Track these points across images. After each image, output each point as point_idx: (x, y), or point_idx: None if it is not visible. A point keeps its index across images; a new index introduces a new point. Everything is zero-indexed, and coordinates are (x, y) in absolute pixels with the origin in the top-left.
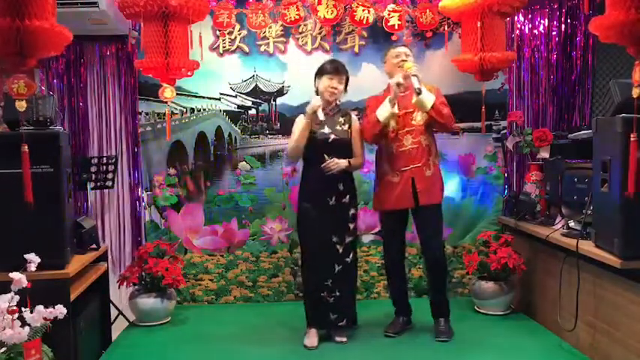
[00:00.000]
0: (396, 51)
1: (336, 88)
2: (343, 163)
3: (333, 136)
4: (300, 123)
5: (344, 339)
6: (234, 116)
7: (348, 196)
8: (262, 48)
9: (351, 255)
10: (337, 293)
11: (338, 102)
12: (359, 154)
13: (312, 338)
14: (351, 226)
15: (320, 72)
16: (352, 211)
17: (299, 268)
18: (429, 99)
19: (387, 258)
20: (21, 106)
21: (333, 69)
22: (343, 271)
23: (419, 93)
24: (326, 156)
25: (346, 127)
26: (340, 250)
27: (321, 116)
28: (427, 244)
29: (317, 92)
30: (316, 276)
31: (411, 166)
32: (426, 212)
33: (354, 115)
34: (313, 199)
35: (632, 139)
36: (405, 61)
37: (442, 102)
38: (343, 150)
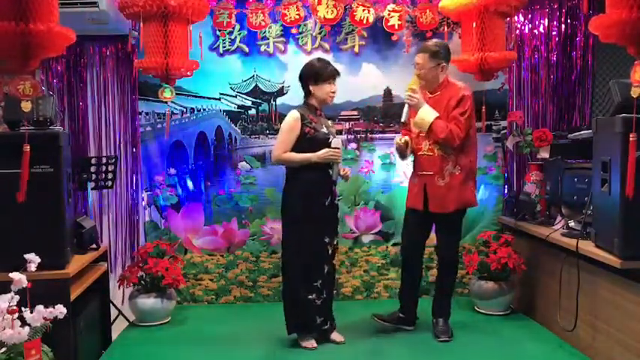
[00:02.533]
0: (415, 59)
1: (334, 92)
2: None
3: (332, 137)
4: (306, 157)
5: (342, 339)
6: (234, 116)
7: (337, 197)
8: (262, 48)
9: (334, 255)
10: (324, 295)
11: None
12: None
13: (310, 340)
14: (338, 226)
15: (316, 77)
16: (339, 212)
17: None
18: (424, 122)
19: (402, 254)
20: (27, 106)
21: (333, 73)
22: (328, 272)
23: (402, 125)
24: (337, 166)
25: (334, 129)
26: (330, 251)
27: (334, 171)
28: (438, 248)
29: (308, 94)
30: (308, 278)
31: (425, 172)
32: (439, 218)
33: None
34: (310, 198)
35: (631, 138)
36: (417, 75)
37: (454, 117)
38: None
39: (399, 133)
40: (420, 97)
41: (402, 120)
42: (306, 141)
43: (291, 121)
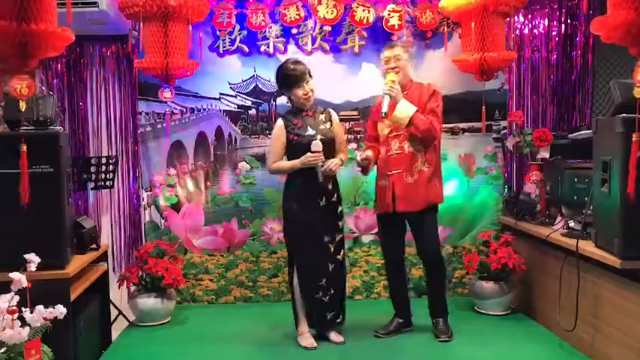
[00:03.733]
0: (384, 55)
1: (309, 91)
2: (339, 161)
3: (319, 137)
4: (291, 164)
5: (341, 339)
6: (234, 116)
7: (335, 195)
8: (262, 48)
9: (341, 252)
10: (331, 291)
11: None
12: (344, 149)
13: (309, 339)
14: (340, 223)
15: (287, 84)
16: (340, 209)
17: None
18: (404, 115)
19: (385, 258)
20: (21, 106)
21: (300, 78)
22: (335, 269)
23: (384, 117)
24: (321, 168)
25: (328, 124)
26: (332, 249)
27: (319, 172)
28: (418, 248)
29: (290, 100)
30: (312, 278)
31: (393, 171)
32: (411, 218)
33: (332, 111)
34: (304, 201)
35: (634, 139)
36: (392, 69)
37: (430, 109)
38: (329, 149)
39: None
40: (400, 90)
41: (384, 111)
42: (293, 147)
43: (276, 131)
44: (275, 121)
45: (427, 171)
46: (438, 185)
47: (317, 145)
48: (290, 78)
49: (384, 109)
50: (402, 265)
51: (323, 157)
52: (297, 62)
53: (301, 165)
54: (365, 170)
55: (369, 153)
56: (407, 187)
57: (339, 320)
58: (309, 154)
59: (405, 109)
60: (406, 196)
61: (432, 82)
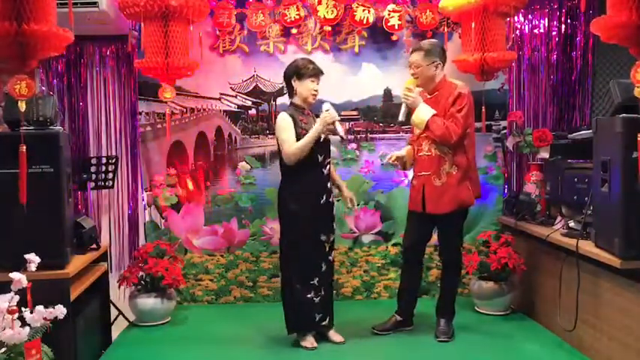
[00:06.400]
0: (408, 60)
1: (317, 91)
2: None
3: (323, 136)
4: (312, 134)
5: (342, 338)
6: (234, 116)
7: (332, 195)
8: (262, 48)
9: (332, 252)
10: (322, 292)
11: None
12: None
13: (309, 339)
14: (334, 224)
15: (300, 74)
16: (334, 209)
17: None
18: (420, 120)
19: (403, 254)
20: (21, 106)
21: (316, 71)
22: (327, 270)
23: (399, 124)
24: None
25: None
26: (327, 249)
27: (339, 130)
28: (440, 249)
29: (292, 93)
30: (306, 277)
31: (423, 173)
32: (439, 220)
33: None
34: (306, 199)
35: (639, 138)
36: (412, 75)
37: (451, 114)
38: (326, 149)
39: (399, 133)
40: (417, 95)
41: (400, 119)
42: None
43: (286, 122)
44: (275, 121)
45: (456, 174)
46: (469, 187)
47: (327, 105)
48: (308, 69)
49: (401, 117)
50: (418, 265)
51: (336, 113)
52: (312, 61)
53: (322, 128)
54: (404, 166)
55: (403, 153)
56: (435, 189)
57: (325, 323)
58: (322, 117)
59: (422, 114)
60: (434, 199)
61: (462, 84)
